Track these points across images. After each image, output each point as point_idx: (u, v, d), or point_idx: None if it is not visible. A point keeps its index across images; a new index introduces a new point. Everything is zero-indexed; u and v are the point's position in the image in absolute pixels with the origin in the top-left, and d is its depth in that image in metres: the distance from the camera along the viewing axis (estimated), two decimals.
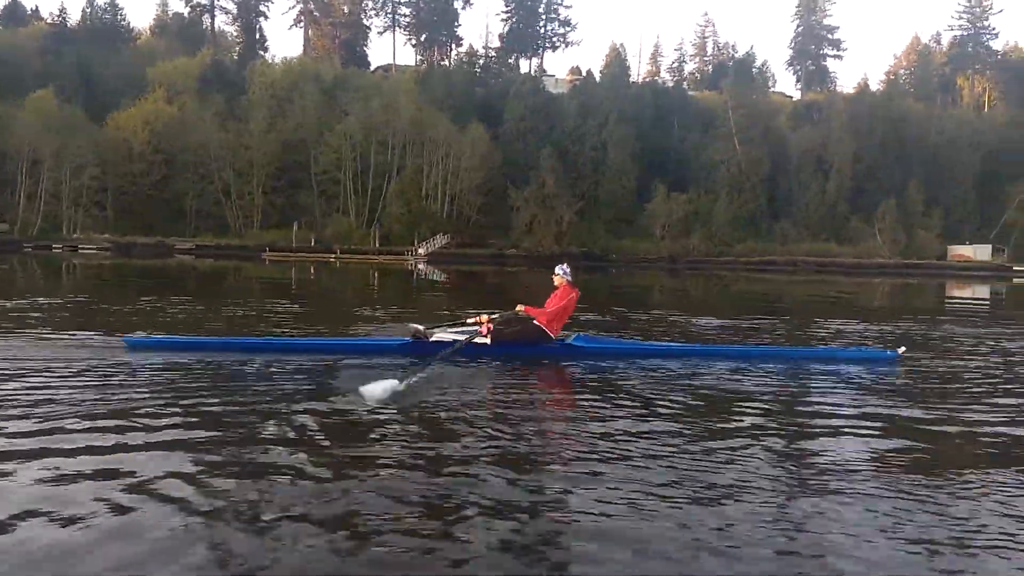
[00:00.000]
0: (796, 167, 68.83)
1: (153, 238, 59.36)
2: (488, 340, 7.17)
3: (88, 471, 3.56)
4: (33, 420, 4.45)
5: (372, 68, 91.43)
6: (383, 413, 4.85)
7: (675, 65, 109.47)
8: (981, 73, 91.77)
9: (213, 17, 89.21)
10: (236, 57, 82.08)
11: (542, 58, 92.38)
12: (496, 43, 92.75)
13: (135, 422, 4.44)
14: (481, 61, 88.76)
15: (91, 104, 67.50)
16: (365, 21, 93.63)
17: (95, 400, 4.99)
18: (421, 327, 7.38)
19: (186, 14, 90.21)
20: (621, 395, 5.68)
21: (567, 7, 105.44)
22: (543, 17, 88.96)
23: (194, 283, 22.81)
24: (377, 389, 5.17)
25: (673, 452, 4.15)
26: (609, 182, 68.69)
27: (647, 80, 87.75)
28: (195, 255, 54.71)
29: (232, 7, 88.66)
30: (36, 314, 10.50)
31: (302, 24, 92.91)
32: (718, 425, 4.84)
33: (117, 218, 64.02)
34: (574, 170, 69.68)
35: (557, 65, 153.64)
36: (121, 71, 73.22)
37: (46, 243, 57.03)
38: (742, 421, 4.97)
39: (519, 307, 7.45)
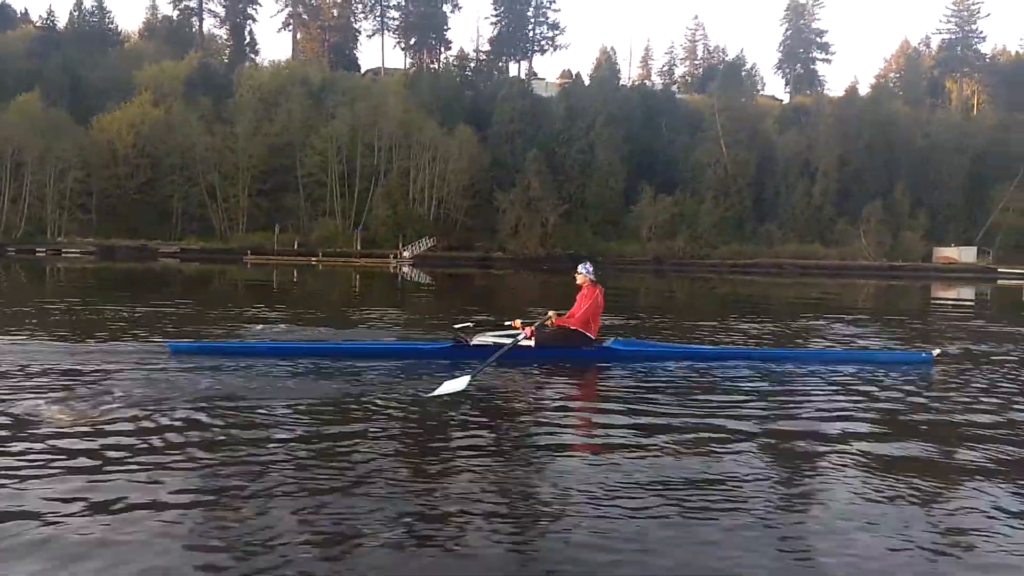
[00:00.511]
0: (783, 170, 68.93)
1: (137, 241, 59.18)
2: (532, 342, 7.23)
3: (144, 473, 3.61)
4: (86, 424, 4.52)
5: (363, 71, 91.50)
6: (428, 415, 4.96)
7: (666, 68, 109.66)
8: (969, 76, 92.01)
9: (201, 20, 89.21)
10: (225, 60, 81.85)
11: (531, 61, 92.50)
12: (486, 46, 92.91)
13: (185, 424, 4.53)
14: (472, 64, 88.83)
15: (77, 107, 67.35)
16: (354, 24, 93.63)
17: (144, 405, 5.02)
18: (463, 329, 7.62)
19: (174, 17, 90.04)
20: (659, 397, 5.77)
21: (555, 11, 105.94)
22: (532, 21, 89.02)
23: (176, 287, 22.65)
24: (447, 387, 5.42)
25: (704, 452, 4.22)
26: (596, 184, 68.66)
27: (636, 83, 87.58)
28: (180, 259, 54.55)
29: (220, 10, 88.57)
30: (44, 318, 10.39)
31: (290, 27, 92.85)
32: (751, 427, 4.88)
33: (102, 221, 63.86)
34: (562, 172, 69.66)
35: (548, 68, 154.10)
36: (108, 74, 73.10)
37: (30, 247, 56.84)
38: (776, 423, 5.01)
39: (550, 314, 7.47)
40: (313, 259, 51.85)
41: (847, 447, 4.41)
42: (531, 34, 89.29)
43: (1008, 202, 66.33)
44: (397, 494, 3.40)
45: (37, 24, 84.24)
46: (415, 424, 4.73)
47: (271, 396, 5.38)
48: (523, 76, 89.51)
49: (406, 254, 57.97)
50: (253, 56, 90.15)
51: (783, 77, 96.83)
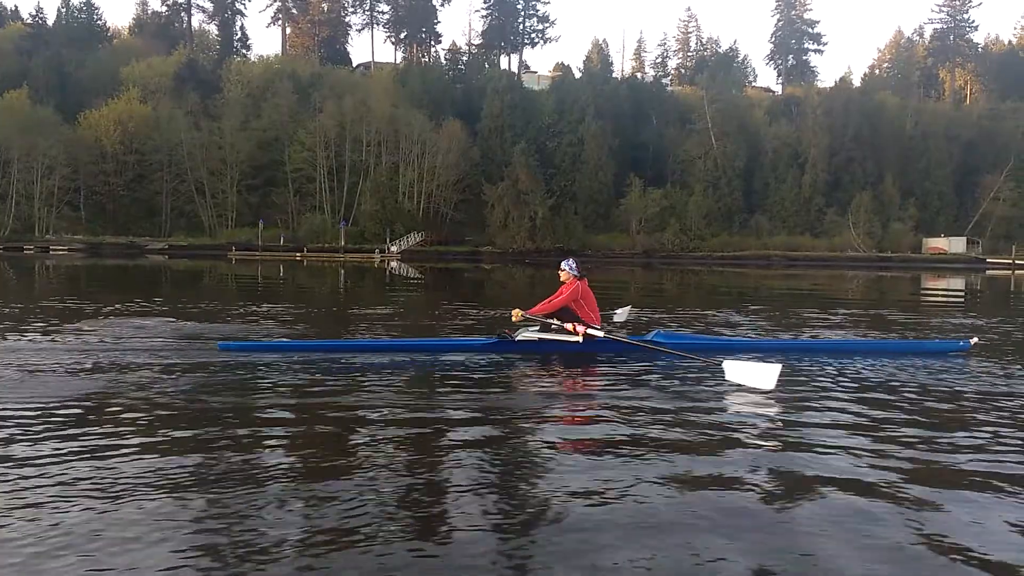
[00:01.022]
0: (772, 161, 68.82)
1: (125, 238, 59.18)
2: (580, 338, 7.29)
3: (189, 466, 3.63)
4: (136, 416, 4.60)
5: (355, 66, 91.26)
6: (478, 412, 4.93)
7: (659, 61, 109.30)
8: (962, 66, 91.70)
9: (190, 15, 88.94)
10: (215, 55, 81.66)
11: (521, 54, 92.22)
12: (478, 40, 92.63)
13: (232, 420, 4.58)
14: (465, 58, 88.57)
15: (65, 104, 67.32)
16: (344, 18, 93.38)
17: (198, 398, 5.16)
18: (520, 314, 7.66)
19: (163, 13, 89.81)
20: (699, 390, 5.76)
21: (545, 3, 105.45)
22: (521, 14, 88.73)
23: (157, 286, 22.44)
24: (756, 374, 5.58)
25: (737, 442, 4.20)
26: (586, 178, 68.54)
27: (626, 76, 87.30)
28: (168, 255, 54.57)
29: (208, 5, 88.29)
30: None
31: (279, 22, 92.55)
32: (784, 416, 4.90)
33: (91, 218, 63.88)
34: (552, 166, 69.57)
35: (542, 62, 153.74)
36: (96, 71, 72.99)
37: (18, 244, 56.83)
38: (811, 414, 4.98)
39: (515, 312, 7.53)
40: (298, 255, 51.82)
41: (896, 437, 4.38)
42: (521, 27, 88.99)
43: (998, 192, 66.17)
44: (424, 489, 3.40)
45: (26, 21, 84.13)
46: (448, 419, 4.73)
47: (308, 392, 5.46)
48: (515, 70, 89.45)
49: (393, 249, 57.90)
50: (245, 51, 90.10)
51: (775, 68, 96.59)
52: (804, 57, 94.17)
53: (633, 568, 2.60)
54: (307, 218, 64.21)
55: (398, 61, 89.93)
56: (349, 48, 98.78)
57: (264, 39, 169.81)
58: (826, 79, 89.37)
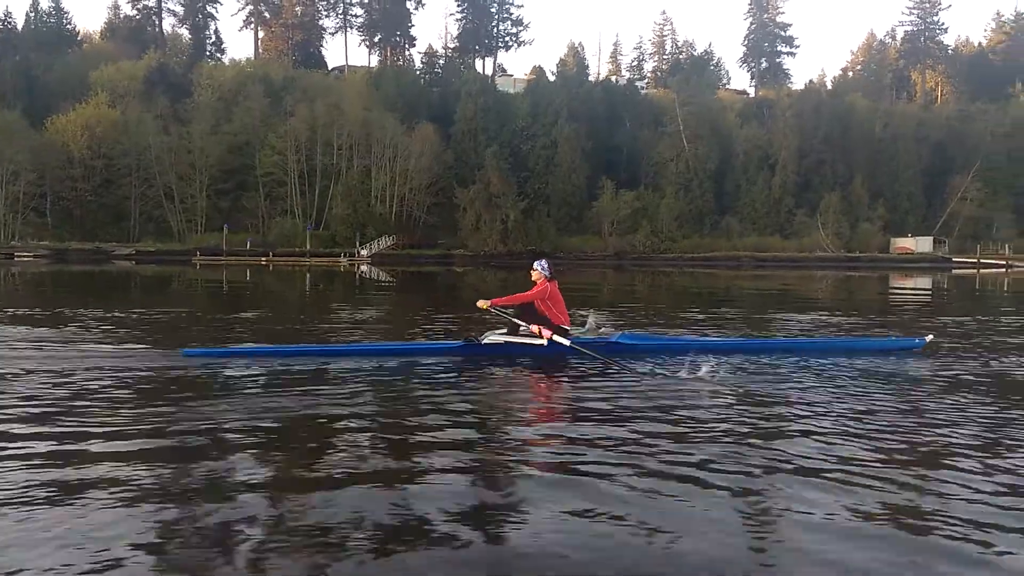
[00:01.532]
0: (743, 163, 69.22)
1: (91, 244, 58.52)
2: (545, 341, 7.34)
3: (154, 476, 3.60)
4: (98, 426, 4.53)
5: (330, 69, 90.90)
6: (446, 416, 4.93)
7: (635, 64, 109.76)
8: (932, 68, 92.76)
9: (160, 19, 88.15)
10: (186, 59, 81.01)
11: (495, 57, 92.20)
12: (454, 44, 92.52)
13: (201, 427, 4.54)
14: (441, 61, 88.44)
15: (33, 108, 66.56)
16: (318, 21, 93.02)
17: (158, 409, 5.05)
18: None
19: (135, 16, 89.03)
20: (662, 390, 5.84)
21: (519, 7, 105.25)
22: (495, 17, 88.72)
23: (119, 290, 22.22)
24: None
25: (702, 440, 4.29)
26: (559, 180, 68.62)
27: (600, 79, 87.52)
28: (135, 260, 54.00)
29: (179, 9, 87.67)
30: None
31: (252, 26, 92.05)
32: (742, 415, 4.96)
33: (57, 224, 63.13)
34: (526, 168, 69.61)
35: (519, 65, 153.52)
36: (65, 75, 72.24)
37: None
38: (768, 413, 5.07)
39: (480, 303, 7.61)
40: (263, 259, 51.42)
41: (845, 433, 4.49)
42: (495, 30, 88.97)
43: (965, 192, 66.90)
44: (394, 492, 3.40)
45: None
46: (418, 422, 4.75)
47: (280, 397, 5.42)
48: (494, 73, 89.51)
49: (364, 253, 57.65)
50: (219, 55, 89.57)
51: (748, 71, 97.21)
52: (777, 60, 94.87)
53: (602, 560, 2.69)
54: (277, 222, 63.80)
55: (373, 65, 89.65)
56: (324, 52, 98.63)
57: (238, 43, 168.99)
58: (800, 82, 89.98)
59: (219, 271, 37.17)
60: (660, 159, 69.96)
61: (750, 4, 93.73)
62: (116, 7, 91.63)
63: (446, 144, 69.64)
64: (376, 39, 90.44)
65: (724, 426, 4.63)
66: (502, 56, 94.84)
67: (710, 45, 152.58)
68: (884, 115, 72.51)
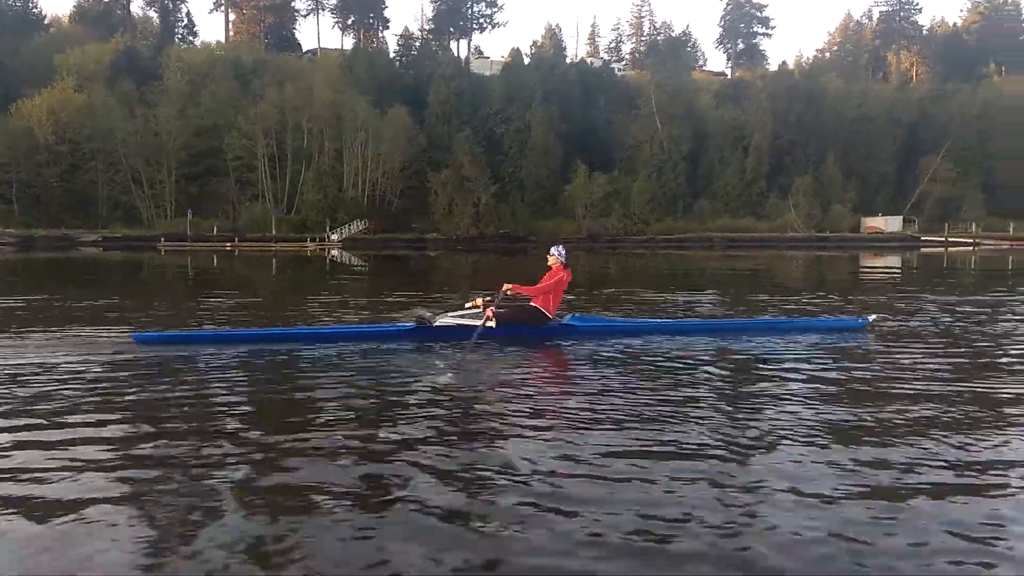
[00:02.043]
0: (717, 145, 69.22)
1: (57, 231, 57.79)
2: (494, 324, 7.34)
3: (105, 461, 3.59)
4: (46, 413, 4.50)
5: (304, 52, 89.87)
6: (398, 397, 4.99)
7: (613, 45, 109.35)
8: (907, 48, 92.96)
9: (128, 2, 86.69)
10: (155, 43, 79.80)
11: (471, 39, 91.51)
12: (430, 26, 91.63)
13: (149, 415, 4.50)
14: (418, 44, 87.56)
15: None
16: (291, 3, 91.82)
17: (110, 395, 5.02)
18: (427, 313, 7.71)
19: (103, 0, 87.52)
20: (613, 371, 5.96)
21: None
22: None
23: (80, 277, 21.90)
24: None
25: (653, 422, 4.35)
26: (532, 163, 68.36)
27: (575, 60, 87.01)
28: (102, 247, 53.42)
29: None
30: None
31: (222, 8, 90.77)
32: (699, 396, 5.07)
33: (24, 211, 62.19)
34: (500, 152, 69.27)
35: (497, 47, 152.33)
36: (32, 60, 70.87)
37: None
38: (714, 391, 5.23)
39: (506, 286, 7.55)
40: (228, 245, 51.00)
41: (789, 411, 4.61)
42: (469, 12, 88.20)
43: (936, 171, 67.26)
44: (350, 476, 3.41)
45: None
46: (372, 406, 4.77)
47: (231, 383, 5.40)
48: (468, 55, 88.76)
49: (334, 237, 57.29)
50: (191, 39, 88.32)
51: (724, 52, 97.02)
52: (753, 41, 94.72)
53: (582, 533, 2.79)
54: (247, 207, 63.24)
55: (343, 48, 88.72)
56: (298, 34, 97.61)
57: (212, 26, 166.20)
58: (777, 63, 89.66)
59: (183, 257, 36.87)
60: (634, 141, 69.79)
61: None
62: None
63: (420, 127, 69.13)
64: (349, 21, 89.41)
65: (672, 406, 4.74)
66: (479, 38, 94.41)
67: (688, 26, 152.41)
68: (857, 96, 72.63)
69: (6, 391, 5.13)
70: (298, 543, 2.69)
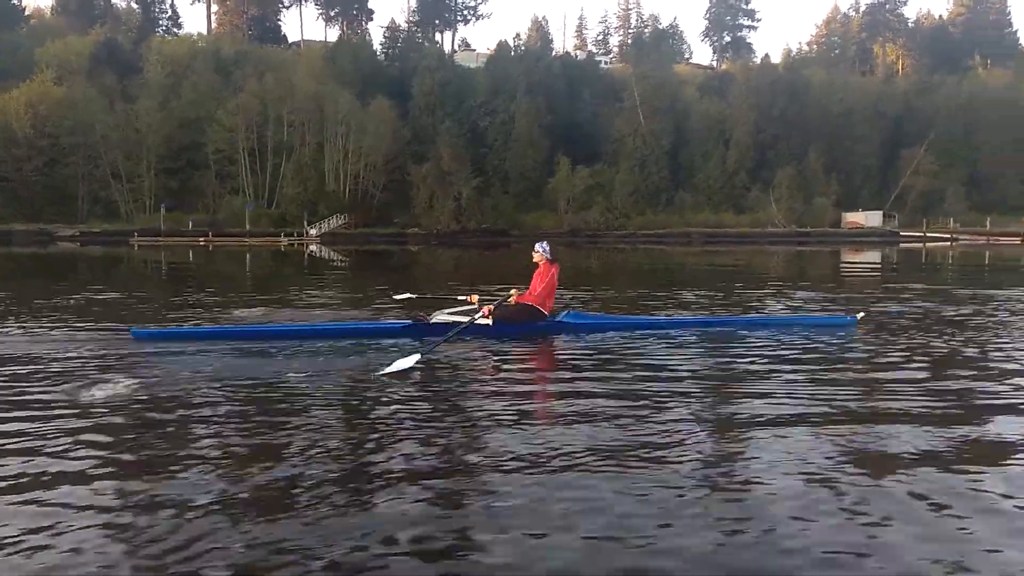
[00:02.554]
0: (700, 138, 69.10)
1: (34, 225, 57.42)
2: (489, 321, 7.38)
3: (98, 459, 3.62)
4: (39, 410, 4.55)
5: (289, 44, 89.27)
6: (390, 392, 5.08)
7: (600, 38, 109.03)
8: (893, 41, 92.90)
9: None
10: (135, 35, 79.15)
11: (455, 31, 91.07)
12: (415, 17, 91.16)
13: (148, 412, 4.55)
14: (404, 36, 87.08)
15: None
16: None
17: (112, 387, 5.11)
18: (422, 312, 7.78)
19: None
20: (607, 367, 6.00)
21: None
22: None
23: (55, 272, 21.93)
24: (398, 365, 5.67)
25: (645, 418, 4.39)
26: (516, 156, 68.14)
27: (560, 53, 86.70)
28: (80, 242, 53.18)
29: None
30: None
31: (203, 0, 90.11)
32: (683, 389, 5.16)
33: (3, 205, 61.74)
34: (484, 144, 69.01)
35: (487, 40, 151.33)
36: (9, 52, 70.19)
37: None
38: (708, 387, 5.29)
39: (512, 293, 7.69)
40: (202, 240, 50.80)
41: (778, 407, 4.63)
42: (453, 3, 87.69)
43: (918, 165, 67.31)
44: (345, 470, 3.48)
45: None
46: (369, 401, 4.86)
47: (226, 379, 5.46)
48: (454, 47, 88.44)
49: (312, 232, 57.09)
50: (176, 30, 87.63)
51: (711, 45, 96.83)
52: (739, 34, 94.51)
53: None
54: (227, 201, 62.93)
55: (325, 39, 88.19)
56: (283, 26, 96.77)
57: (198, 18, 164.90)
58: (766, 55, 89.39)
59: (155, 252, 36.71)
60: (618, 134, 69.61)
61: None
62: None
63: (404, 120, 68.80)
64: (333, 12, 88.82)
65: (671, 402, 4.79)
66: (467, 31, 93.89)
67: (675, 19, 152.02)
68: (841, 89, 72.55)
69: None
70: (289, 542, 2.70)
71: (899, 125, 71.86)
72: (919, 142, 68.28)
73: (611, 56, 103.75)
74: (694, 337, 7.46)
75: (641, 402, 4.75)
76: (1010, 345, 7.08)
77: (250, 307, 10.31)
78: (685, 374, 5.69)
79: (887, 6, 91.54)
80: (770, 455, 3.66)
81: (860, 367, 6.00)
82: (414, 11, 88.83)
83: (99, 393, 4.93)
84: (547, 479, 3.33)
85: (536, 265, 7.85)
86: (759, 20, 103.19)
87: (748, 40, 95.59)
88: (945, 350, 6.83)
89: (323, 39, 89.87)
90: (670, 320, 8.60)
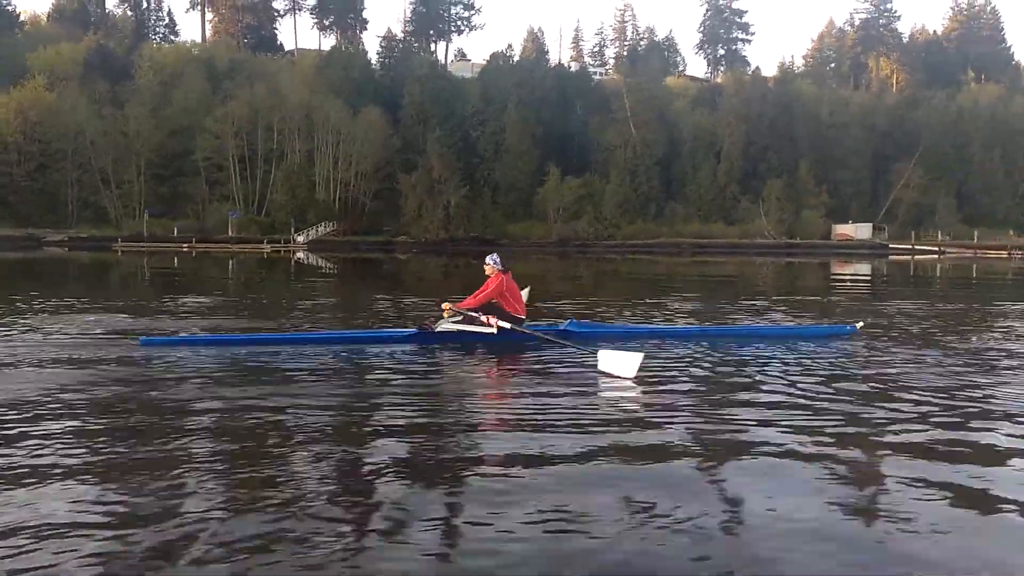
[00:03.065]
0: (690, 150, 69.12)
1: (22, 230, 57.28)
2: (495, 330, 7.57)
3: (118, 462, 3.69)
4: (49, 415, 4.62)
5: (284, 52, 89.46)
6: (393, 399, 5.20)
7: (596, 50, 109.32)
8: (887, 55, 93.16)
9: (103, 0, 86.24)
10: (128, 42, 79.39)
11: (449, 42, 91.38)
12: (410, 28, 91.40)
13: (159, 416, 4.63)
14: (400, 46, 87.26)
15: None
16: (271, 2, 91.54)
17: (119, 397, 5.15)
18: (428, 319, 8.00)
19: None
20: (606, 374, 6.10)
21: None
22: (447, 1, 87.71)
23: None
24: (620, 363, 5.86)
25: (642, 424, 4.50)
26: (507, 166, 68.14)
27: (553, 65, 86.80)
28: (68, 247, 53.06)
29: None
30: None
31: (199, 7, 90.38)
32: (683, 399, 5.24)
33: None
34: (475, 154, 69.00)
35: (482, 51, 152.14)
36: (5, 58, 70.34)
37: None
38: (709, 397, 5.33)
39: (444, 306, 7.86)
40: (185, 246, 50.66)
41: (776, 416, 4.68)
42: (446, 15, 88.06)
43: (909, 178, 67.26)
44: (346, 473, 3.57)
45: None
46: (374, 408, 4.94)
47: (233, 386, 5.52)
48: (448, 58, 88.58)
49: (300, 239, 56.95)
50: (173, 38, 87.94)
51: (704, 58, 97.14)
52: (733, 47, 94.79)
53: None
54: (215, 208, 62.87)
55: (321, 48, 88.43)
56: (279, 35, 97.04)
57: (192, 25, 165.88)
58: (756, 68, 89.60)
59: (138, 258, 36.61)
60: (609, 145, 69.62)
61: None
62: None
63: (395, 129, 68.84)
64: (328, 22, 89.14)
65: (673, 411, 4.86)
66: (462, 41, 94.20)
67: (671, 31, 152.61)
68: (831, 102, 72.62)
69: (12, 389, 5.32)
70: (287, 544, 2.74)
71: (890, 138, 71.85)
72: (910, 155, 68.28)
73: (607, 68, 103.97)
74: (695, 346, 7.57)
75: (639, 411, 4.85)
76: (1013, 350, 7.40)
77: (237, 316, 10.43)
78: (684, 383, 5.78)
79: (881, 21, 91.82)
80: (771, 465, 3.69)
81: (862, 376, 6.08)
82: (409, 21, 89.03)
83: (107, 400, 4.99)
84: (545, 483, 3.38)
85: (487, 277, 8.05)
86: (753, 34, 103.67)
87: (743, 53, 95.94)
88: (945, 360, 6.94)
89: (318, 48, 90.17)
90: (671, 329, 8.77)
